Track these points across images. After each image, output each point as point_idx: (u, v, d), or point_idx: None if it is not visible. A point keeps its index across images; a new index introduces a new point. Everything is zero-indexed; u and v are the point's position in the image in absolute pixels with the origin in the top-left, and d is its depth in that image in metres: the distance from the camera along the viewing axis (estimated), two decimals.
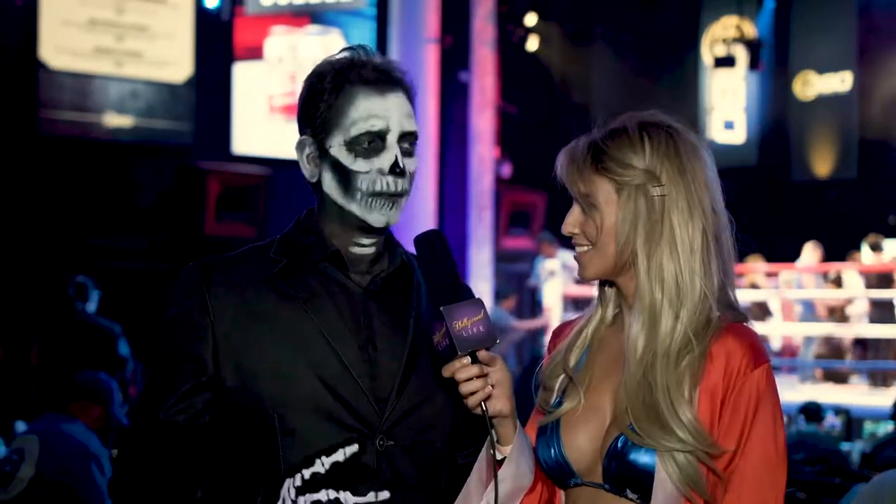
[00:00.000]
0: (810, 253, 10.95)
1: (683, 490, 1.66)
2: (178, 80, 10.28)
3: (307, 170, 1.87)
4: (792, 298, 11.10)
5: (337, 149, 1.82)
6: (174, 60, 10.24)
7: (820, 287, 11.08)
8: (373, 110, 1.80)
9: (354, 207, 1.82)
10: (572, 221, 1.79)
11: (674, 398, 1.67)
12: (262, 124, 10.97)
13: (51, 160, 9.43)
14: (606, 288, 1.84)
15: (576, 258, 1.81)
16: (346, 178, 1.81)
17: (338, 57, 1.86)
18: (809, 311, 11.01)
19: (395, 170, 1.80)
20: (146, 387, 1.86)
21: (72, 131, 9.70)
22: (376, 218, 1.82)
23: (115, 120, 9.99)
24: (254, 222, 10.18)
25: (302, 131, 1.87)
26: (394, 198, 1.82)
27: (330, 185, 1.84)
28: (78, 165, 9.63)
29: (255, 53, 11.07)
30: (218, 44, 10.64)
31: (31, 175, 9.28)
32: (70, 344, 5.95)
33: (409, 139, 1.84)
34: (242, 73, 10.97)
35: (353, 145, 1.80)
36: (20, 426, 5.23)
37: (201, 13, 10.45)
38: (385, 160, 1.80)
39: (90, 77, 9.78)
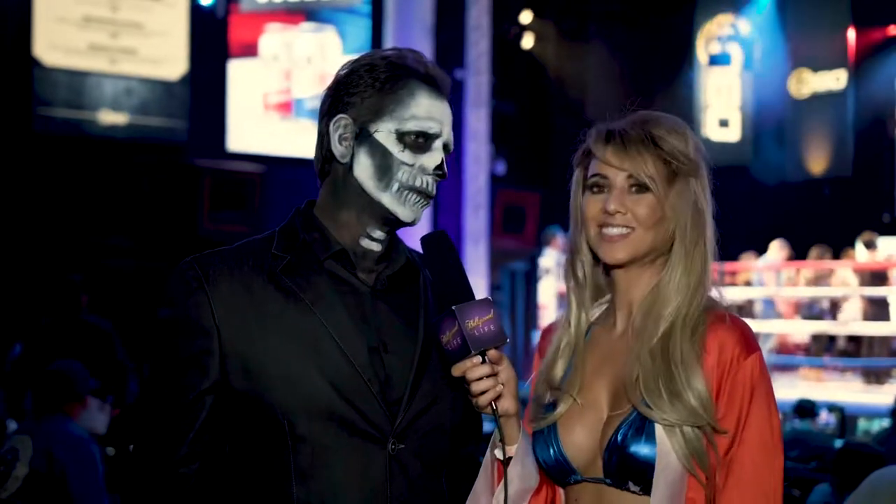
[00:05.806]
0: (777, 251, 10.96)
1: (687, 464, 1.68)
2: (172, 78, 10.27)
3: (338, 150, 1.80)
4: (757, 296, 11.08)
5: (385, 135, 1.77)
6: (169, 57, 10.23)
7: (780, 286, 11.09)
8: (433, 112, 1.79)
9: (386, 198, 1.78)
10: (620, 201, 1.78)
11: (689, 369, 1.71)
12: (257, 121, 10.95)
13: (45, 157, 9.41)
14: (587, 289, 1.86)
15: (608, 239, 1.79)
16: (387, 165, 1.77)
17: (389, 51, 1.83)
18: (770, 309, 11.03)
19: (438, 171, 1.79)
20: (148, 394, 1.80)
21: (66, 129, 9.68)
22: (406, 212, 1.79)
23: (110, 117, 9.98)
24: (249, 219, 10.17)
25: (335, 112, 1.80)
26: (427, 198, 1.80)
27: (364, 170, 1.78)
28: (72, 163, 9.61)
29: (250, 51, 11.07)
30: (213, 41, 10.63)
31: (26, 172, 9.26)
32: (71, 345, 5.88)
33: (447, 152, 1.83)
34: (237, 71, 10.97)
35: (403, 137, 1.77)
36: (11, 425, 5.22)
37: (196, 10, 10.45)
38: (431, 160, 1.79)
39: (85, 74, 9.77)
